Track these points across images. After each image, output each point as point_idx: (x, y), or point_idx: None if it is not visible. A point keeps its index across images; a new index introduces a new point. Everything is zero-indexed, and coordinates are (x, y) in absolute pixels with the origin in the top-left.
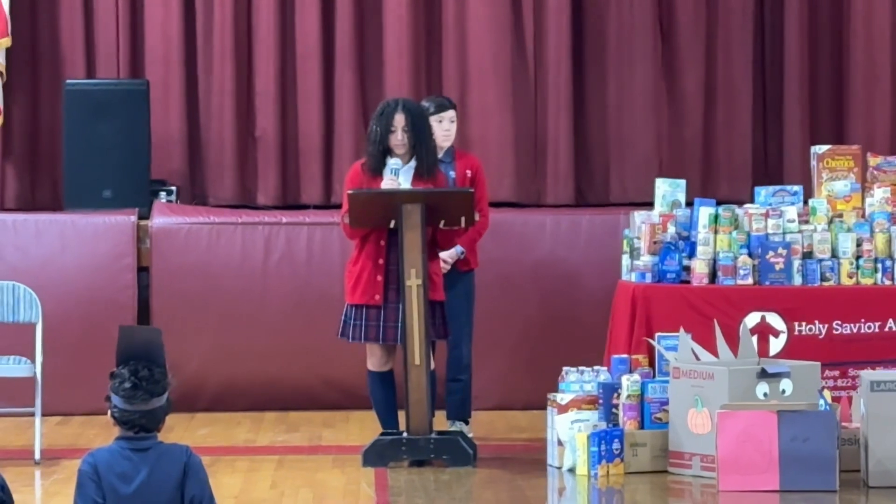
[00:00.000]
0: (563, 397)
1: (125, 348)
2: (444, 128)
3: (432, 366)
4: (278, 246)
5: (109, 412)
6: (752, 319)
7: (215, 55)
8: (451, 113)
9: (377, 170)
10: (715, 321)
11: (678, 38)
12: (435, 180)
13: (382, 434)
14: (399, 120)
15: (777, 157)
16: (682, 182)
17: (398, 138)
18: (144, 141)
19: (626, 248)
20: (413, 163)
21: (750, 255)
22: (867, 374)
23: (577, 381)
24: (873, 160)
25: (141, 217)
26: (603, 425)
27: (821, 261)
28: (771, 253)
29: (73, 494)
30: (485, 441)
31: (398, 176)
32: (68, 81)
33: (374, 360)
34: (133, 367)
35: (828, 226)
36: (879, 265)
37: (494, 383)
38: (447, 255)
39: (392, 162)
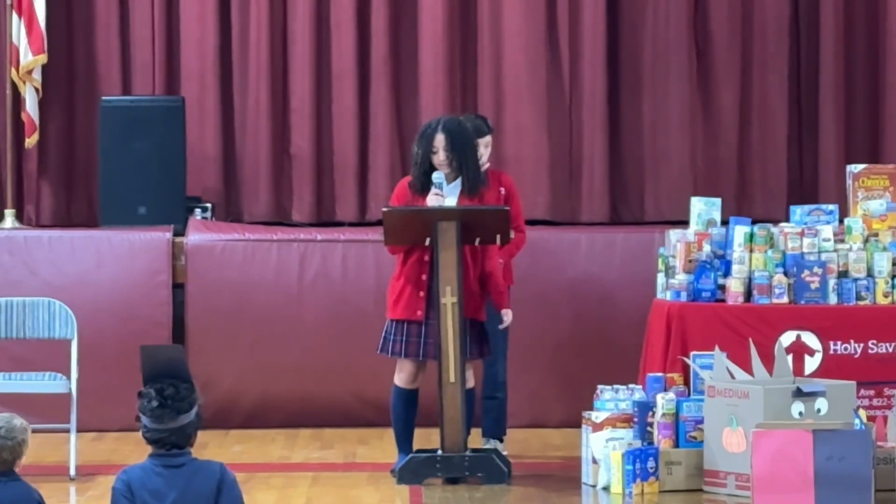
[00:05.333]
0: (597, 415)
1: (149, 368)
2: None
3: (471, 384)
4: (313, 263)
5: (141, 432)
6: (788, 338)
7: (251, 72)
8: (485, 139)
9: (422, 190)
10: (750, 340)
11: (713, 56)
12: (481, 199)
13: (417, 451)
14: (440, 140)
15: (812, 175)
16: (718, 200)
17: (440, 158)
18: (180, 157)
19: (661, 266)
20: (458, 181)
21: (785, 273)
22: None
23: (612, 399)
24: None
25: (176, 234)
26: (638, 443)
27: (856, 280)
28: (806, 272)
29: None
30: (519, 459)
31: (443, 189)
32: (104, 98)
33: (404, 375)
34: (158, 386)
35: (863, 245)
36: None
37: (529, 401)
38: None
39: (436, 175)
